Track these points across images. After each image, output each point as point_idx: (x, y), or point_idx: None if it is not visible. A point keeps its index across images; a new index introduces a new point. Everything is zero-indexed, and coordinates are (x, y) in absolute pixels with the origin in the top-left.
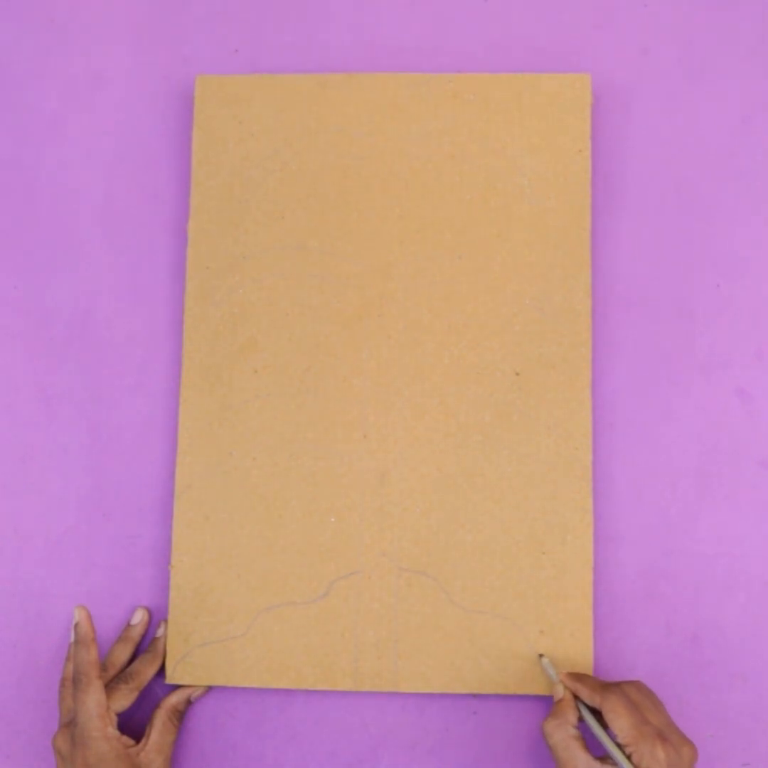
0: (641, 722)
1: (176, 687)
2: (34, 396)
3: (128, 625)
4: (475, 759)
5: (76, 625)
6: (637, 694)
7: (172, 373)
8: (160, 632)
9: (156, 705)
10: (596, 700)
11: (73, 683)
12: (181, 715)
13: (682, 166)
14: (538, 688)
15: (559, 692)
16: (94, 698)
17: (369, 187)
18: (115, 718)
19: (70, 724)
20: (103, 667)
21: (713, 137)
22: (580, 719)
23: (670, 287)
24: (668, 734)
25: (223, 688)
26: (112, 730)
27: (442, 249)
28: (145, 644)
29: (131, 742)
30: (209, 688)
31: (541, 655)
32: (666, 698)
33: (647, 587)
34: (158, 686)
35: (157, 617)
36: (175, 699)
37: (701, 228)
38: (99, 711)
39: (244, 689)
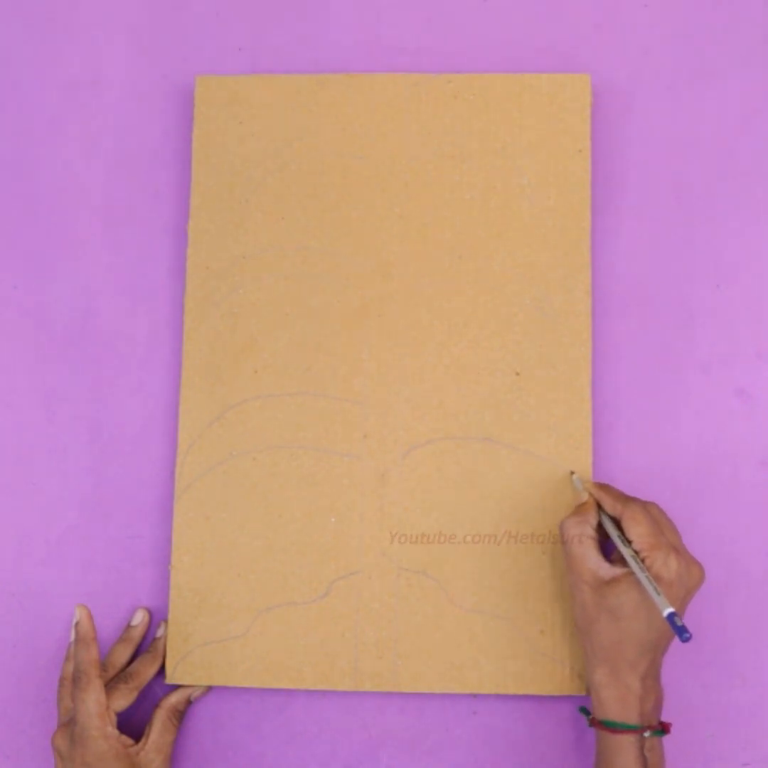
0: (658, 533)
1: (176, 687)
2: (34, 396)
3: (128, 626)
4: (475, 759)
5: (77, 624)
6: (657, 511)
7: (172, 373)
8: (160, 632)
9: (156, 705)
10: (617, 509)
11: (72, 682)
12: (180, 714)
13: (682, 166)
14: (538, 688)
15: (584, 497)
16: (93, 697)
17: (369, 187)
18: (114, 718)
19: (69, 723)
20: (103, 667)
21: (713, 137)
22: (599, 526)
23: (670, 287)
24: (681, 550)
25: (223, 688)
26: (112, 730)
27: (442, 249)
28: (146, 644)
29: (130, 741)
30: (209, 688)
31: (572, 472)
32: (666, 698)
33: None
34: (158, 686)
35: (157, 617)
36: (175, 699)
37: (701, 228)
38: (98, 710)
39: (244, 689)
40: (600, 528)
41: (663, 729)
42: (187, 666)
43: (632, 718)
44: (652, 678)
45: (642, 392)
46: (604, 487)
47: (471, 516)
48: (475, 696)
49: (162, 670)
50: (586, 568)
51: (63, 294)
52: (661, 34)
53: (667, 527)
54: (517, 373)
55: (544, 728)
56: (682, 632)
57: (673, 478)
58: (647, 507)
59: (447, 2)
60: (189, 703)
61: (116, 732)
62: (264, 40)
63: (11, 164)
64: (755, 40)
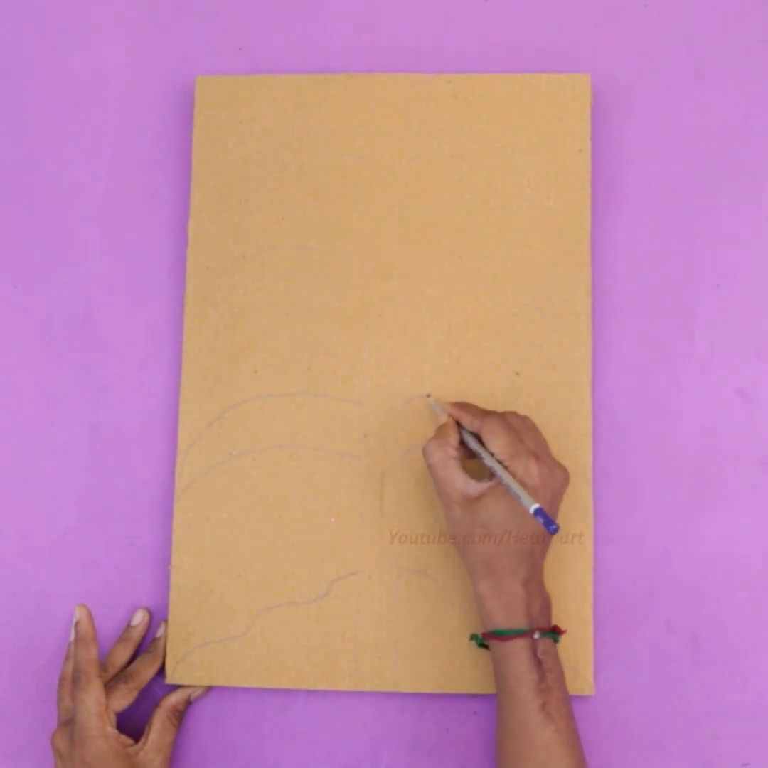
0: (517, 441)
1: (176, 687)
2: (34, 396)
3: (128, 626)
4: (475, 759)
5: (77, 624)
6: (516, 420)
7: (172, 373)
8: (160, 632)
9: (156, 705)
10: (476, 425)
11: (72, 682)
12: (180, 715)
13: (682, 166)
14: None
15: (443, 418)
16: (93, 697)
17: (369, 187)
18: (113, 717)
19: (68, 723)
20: (103, 667)
21: (713, 137)
22: (461, 444)
23: (670, 287)
24: (542, 456)
25: (223, 688)
26: (111, 729)
27: (442, 249)
28: (146, 644)
29: (130, 741)
30: (209, 688)
31: (428, 395)
32: (666, 698)
33: (647, 587)
34: (158, 686)
35: (157, 617)
36: (174, 699)
37: (701, 228)
38: (98, 710)
39: (244, 689)
40: (461, 447)
41: (554, 631)
42: (187, 666)
43: (520, 622)
44: (534, 583)
45: (642, 392)
46: (462, 405)
47: None
48: (474, 696)
49: (162, 670)
50: (454, 488)
51: (63, 294)
52: (661, 34)
53: (527, 435)
54: (517, 373)
55: None
56: (550, 524)
57: (673, 478)
58: (506, 417)
59: (447, 2)
60: (189, 703)
61: (116, 732)
62: (264, 40)
63: (11, 164)
64: (755, 41)
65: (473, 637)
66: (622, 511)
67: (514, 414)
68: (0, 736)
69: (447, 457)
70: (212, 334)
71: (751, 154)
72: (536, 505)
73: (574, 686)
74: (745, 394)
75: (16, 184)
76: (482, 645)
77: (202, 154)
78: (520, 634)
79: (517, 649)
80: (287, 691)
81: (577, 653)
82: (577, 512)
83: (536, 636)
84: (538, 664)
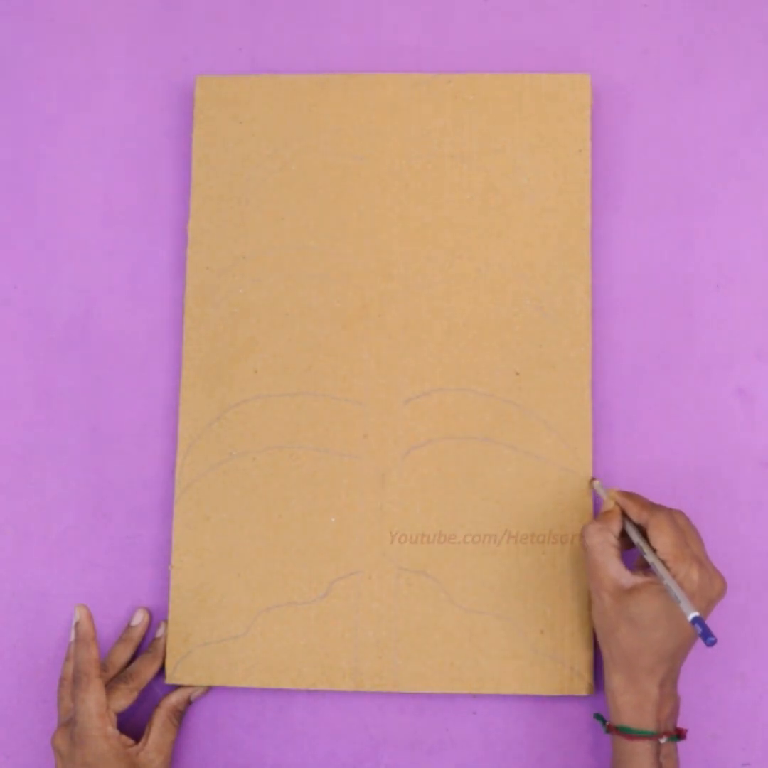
0: (683, 544)
1: (176, 687)
2: (34, 396)
3: (128, 626)
4: (475, 759)
5: (77, 624)
6: (683, 521)
7: (172, 373)
8: (160, 632)
9: (156, 705)
10: (644, 517)
11: (72, 682)
12: (181, 714)
13: (682, 166)
14: (538, 688)
15: (609, 504)
16: (93, 697)
17: (369, 187)
18: (114, 718)
19: (69, 723)
20: (103, 667)
21: (713, 137)
22: (623, 534)
23: (670, 287)
24: (704, 562)
25: (223, 688)
26: (111, 729)
27: (442, 249)
28: (146, 644)
29: (130, 741)
30: (209, 688)
31: (593, 479)
32: None
33: None
34: (158, 686)
35: (157, 617)
36: (175, 699)
37: (701, 228)
38: (98, 710)
39: (244, 689)
40: (622, 537)
41: (679, 735)
42: (187, 666)
43: (649, 724)
44: (670, 685)
45: (642, 392)
46: (630, 495)
47: (471, 516)
48: (475, 696)
49: (162, 670)
50: (608, 576)
51: (63, 294)
52: (661, 34)
53: (691, 537)
54: (517, 373)
55: (544, 728)
56: (707, 636)
57: (673, 478)
58: (673, 515)
59: (447, 2)
60: (189, 703)
61: (116, 732)
62: (264, 40)
63: (11, 164)
64: (755, 40)
65: (598, 717)
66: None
67: (681, 514)
68: (0, 737)
69: (607, 543)
70: (212, 334)
71: (751, 154)
72: (696, 613)
73: (573, 686)
74: (745, 394)
75: (16, 184)
76: (605, 729)
77: (202, 154)
78: (647, 736)
79: (641, 750)
80: (287, 691)
81: (577, 653)
82: (577, 512)
83: (663, 740)
84: (660, 767)
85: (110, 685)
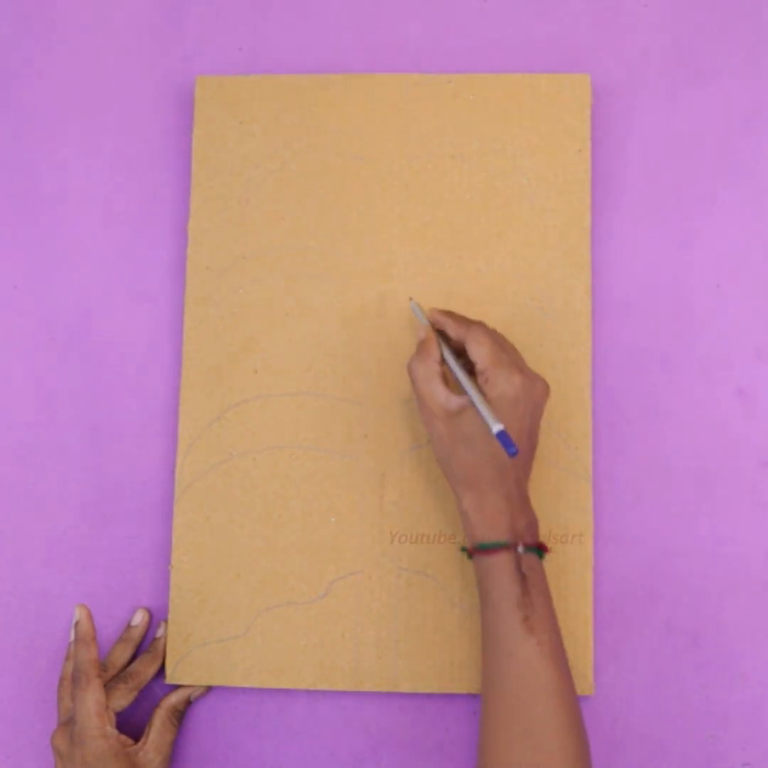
0: (501, 351)
1: (176, 687)
2: (34, 396)
3: (128, 626)
4: (475, 759)
5: (77, 624)
6: (499, 335)
7: (172, 373)
8: (160, 632)
9: (156, 705)
10: (461, 333)
11: (72, 682)
12: (180, 715)
13: (682, 166)
14: None
15: (423, 333)
16: (93, 697)
17: (369, 187)
18: (113, 717)
19: (68, 723)
20: (103, 667)
21: (713, 137)
22: (443, 362)
23: (670, 287)
24: (524, 368)
25: (223, 688)
26: (111, 729)
27: (442, 249)
28: (146, 644)
29: (130, 741)
30: (209, 688)
31: (410, 299)
32: (666, 698)
33: (647, 587)
34: (158, 686)
35: (157, 617)
36: (174, 699)
37: (701, 228)
38: (97, 709)
39: (244, 689)
40: (444, 362)
41: (539, 548)
42: (187, 666)
43: (503, 535)
44: (518, 499)
45: (642, 392)
46: (446, 312)
47: None
48: (475, 696)
49: (162, 670)
50: (436, 402)
51: (63, 294)
52: (661, 34)
53: (508, 348)
54: None
55: None
56: (509, 446)
57: (673, 478)
58: (489, 330)
59: (447, 2)
60: (189, 703)
61: (115, 731)
62: (264, 40)
63: (11, 164)
64: (755, 40)
65: (463, 549)
66: (622, 511)
67: (495, 330)
68: (0, 736)
69: (431, 371)
70: (212, 334)
71: (751, 154)
72: (499, 427)
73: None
74: (745, 394)
75: (16, 184)
76: (468, 555)
77: (202, 154)
78: (503, 548)
79: (500, 562)
80: (287, 691)
81: (577, 653)
82: (577, 512)
83: (520, 549)
84: (522, 578)
85: (110, 685)
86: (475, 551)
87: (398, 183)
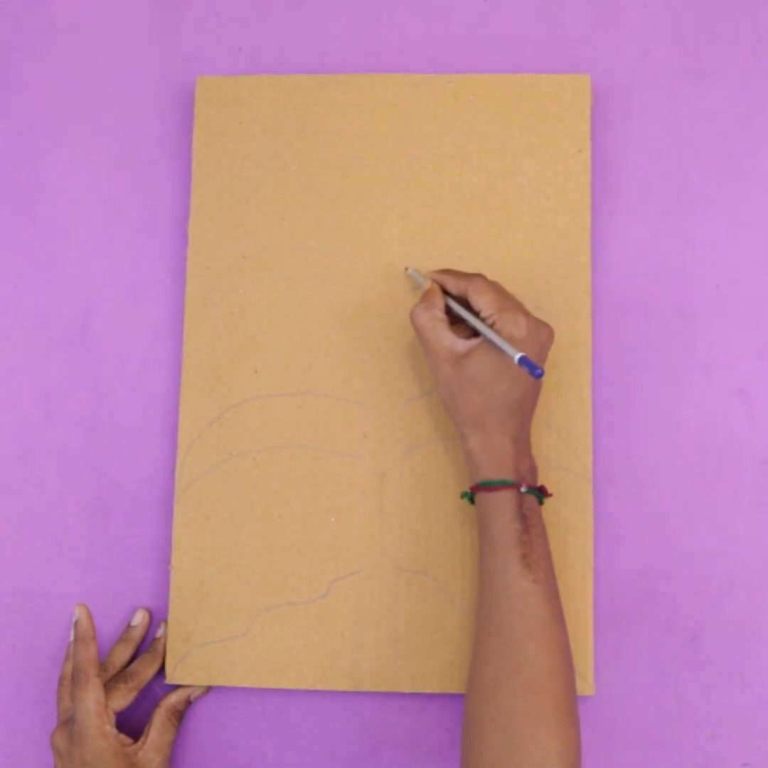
0: (503, 297)
1: (176, 687)
2: (34, 396)
3: (128, 626)
4: None
5: (76, 623)
6: (498, 284)
7: (172, 373)
8: (160, 632)
9: (156, 705)
10: (462, 287)
11: (71, 681)
12: (180, 714)
13: (682, 166)
14: None
15: (426, 284)
16: (92, 696)
17: (369, 187)
18: (113, 717)
19: (68, 722)
20: (103, 667)
21: (713, 137)
22: (448, 311)
23: (669, 287)
24: (528, 313)
25: (223, 688)
26: (110, 729)
27: (442, 249)
28: (146, 644)
29: (129, 740)
30: (209, 688)
31: (406, 268)
32: (666, 698)
33: (647, 587)
34: (158, 686)
35: (157, 617)
36: (174, 699)
37: (701, 228)
38: (97, 709)
39: (244, 689)
40: (447, 312)
41: (541, 491)
42: (187, 666)
43: (508, 475)
44: (523, 441)
45: (642, 392)
46: (445, 270)
47: (471, 516)
48: None
49: (162, 670)
50: (443, 347)
51: (63, 294)
52: (661, 34)
53: (511, 296)
54: None
55: None
56: (534, 369)
57: (673, 478)
58: (490, 280)
59: (447, 2)
60: (189, 703)
61: (115, 731)
62: (264, 40)
63: (12, 164)
64: (755, 40)
65: (464, 494)
66: (622, 511)
67: (496, 281)
68: (0, 736)
69: (435, 319)
70: (212, 334)
71: (751, 154)
72: (521, 354)
73: None
74: (745, 394)
75: (16, 184)
76: (472, 501)
77: (202, 154)
78: (507, 485)
79: (503, 499)
80: (287, 691)
81: (577, 653)
82: (577, 512)
83: (523, 489)
84: (523, 517)
85: (110, 684)
86: (479, 489)
87: (398, 183)
